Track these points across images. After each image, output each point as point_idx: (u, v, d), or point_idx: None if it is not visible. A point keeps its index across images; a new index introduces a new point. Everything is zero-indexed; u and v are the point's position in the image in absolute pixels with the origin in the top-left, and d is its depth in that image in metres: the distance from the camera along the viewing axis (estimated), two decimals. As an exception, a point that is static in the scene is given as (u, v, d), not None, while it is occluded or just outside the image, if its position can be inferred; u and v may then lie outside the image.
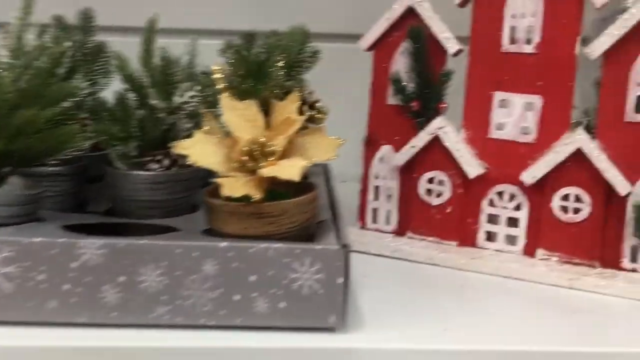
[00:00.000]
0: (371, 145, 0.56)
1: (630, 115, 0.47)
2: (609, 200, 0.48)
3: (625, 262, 0.48)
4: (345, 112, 0.59)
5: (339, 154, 0.44)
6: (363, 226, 0.56)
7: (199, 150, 0.40)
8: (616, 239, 0.48)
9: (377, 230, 0.56)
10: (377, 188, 0.56)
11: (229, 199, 0.39)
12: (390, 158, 0.54)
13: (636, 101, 0.47)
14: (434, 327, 0.41)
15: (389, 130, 0.55)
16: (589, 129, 0.49)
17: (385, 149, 0.55)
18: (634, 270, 0.48)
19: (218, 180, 0.39)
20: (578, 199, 0.49)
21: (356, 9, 0.58)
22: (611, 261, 0.49)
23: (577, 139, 0.48)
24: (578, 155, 0.48)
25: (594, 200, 0.48)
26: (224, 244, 0.38)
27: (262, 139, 0.40)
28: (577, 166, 0.49)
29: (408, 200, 0.54)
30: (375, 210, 0.56)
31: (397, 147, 0.54)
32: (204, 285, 0.38)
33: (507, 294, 0.47)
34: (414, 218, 0.54)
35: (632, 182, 0.48)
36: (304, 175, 0.40)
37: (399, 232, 0.55)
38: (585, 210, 0.49)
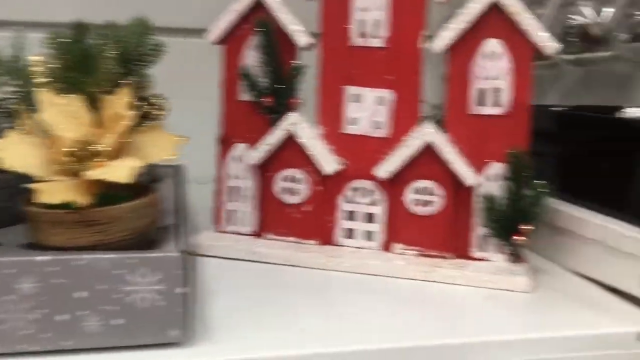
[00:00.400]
0: (225, 144, 0.53)
1: (474, 107, 0.49)
2: (458, 192, 0.49)
3: (475, 252, 0.50)
4: (202, 110, 0.56)
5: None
6: (219, 229, 0.53)
7: (13, 152, 0.35)
8: (466, 230, 0.50)
9: (234, 232, 0.53)
10: (232, 189, 0.53)
11: (51, 206, 0.35)
12: (245, 156, 0.52)
13: (478, 94, 0.48)
14: (289, 332, 0.39)
15: (243, 128, 0.52)
16: (439, 123, 0.50)
17: (239, 147, 0.52)
18: (482, 259, 0.49)
19: (33, 185, 0.34)
20: (430, 191, 0.49)
21: (208, 2, 0.55)
22: (462, 251, 0.50)
23: (426, 133, 0.49)
24: (428, 149, 0.49)
25: (445, 192, 0.49)
26: (42, 257, 0.34)
27: (87, 138, 0.36)
28: (427, 159, 0.49)
29: (265, 200, 0.52)
30: (231, 212, 0.53)
31: (252, 145, 0.52)
32: (22, 306, 0.34)
33: (367, 291, 0.46)
34: (272, 218, 0.52)
35: (479, 173, 0.49)
36: (154, 178, 0.37)
37: (258, 233, 0.53)
38: (437, 202, 0.49)
